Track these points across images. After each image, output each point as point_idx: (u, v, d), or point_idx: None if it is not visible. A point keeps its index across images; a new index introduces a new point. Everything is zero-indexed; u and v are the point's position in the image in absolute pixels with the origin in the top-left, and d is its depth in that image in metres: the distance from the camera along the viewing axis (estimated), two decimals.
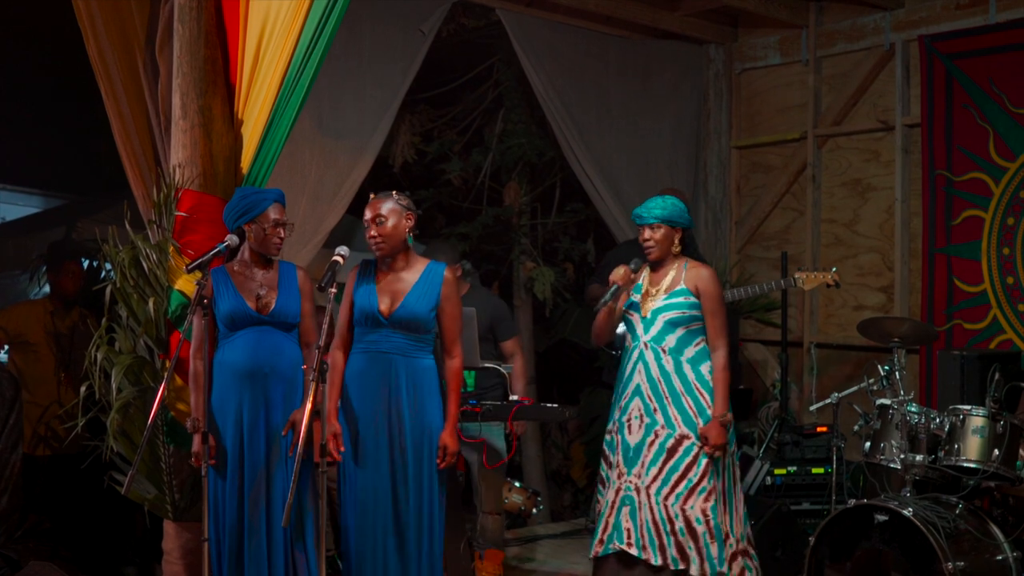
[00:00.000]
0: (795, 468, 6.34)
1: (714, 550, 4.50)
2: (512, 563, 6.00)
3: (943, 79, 6.58)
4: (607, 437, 4.76)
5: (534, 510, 6.84)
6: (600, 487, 4.81)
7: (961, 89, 6.50)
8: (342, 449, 4.28)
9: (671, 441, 4.55)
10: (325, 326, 4.08)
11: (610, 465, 4.71)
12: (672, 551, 4.48)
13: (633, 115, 7.39)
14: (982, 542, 4.74)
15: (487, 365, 5.17)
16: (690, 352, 4.64)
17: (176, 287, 4.59)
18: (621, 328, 4.87)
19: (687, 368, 4.62)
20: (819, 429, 6.50)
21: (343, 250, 4.32)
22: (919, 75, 6.73)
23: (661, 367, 4.62)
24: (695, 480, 4.52)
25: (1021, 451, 4.88)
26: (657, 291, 4.69)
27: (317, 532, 4.31)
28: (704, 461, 4.54)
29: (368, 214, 4.33)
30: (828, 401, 5.59)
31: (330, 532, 5.15)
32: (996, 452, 4.80)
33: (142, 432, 4.34)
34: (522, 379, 5.63)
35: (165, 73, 4.83)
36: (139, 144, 4.97)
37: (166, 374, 4.16)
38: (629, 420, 4.64)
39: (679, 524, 4.49)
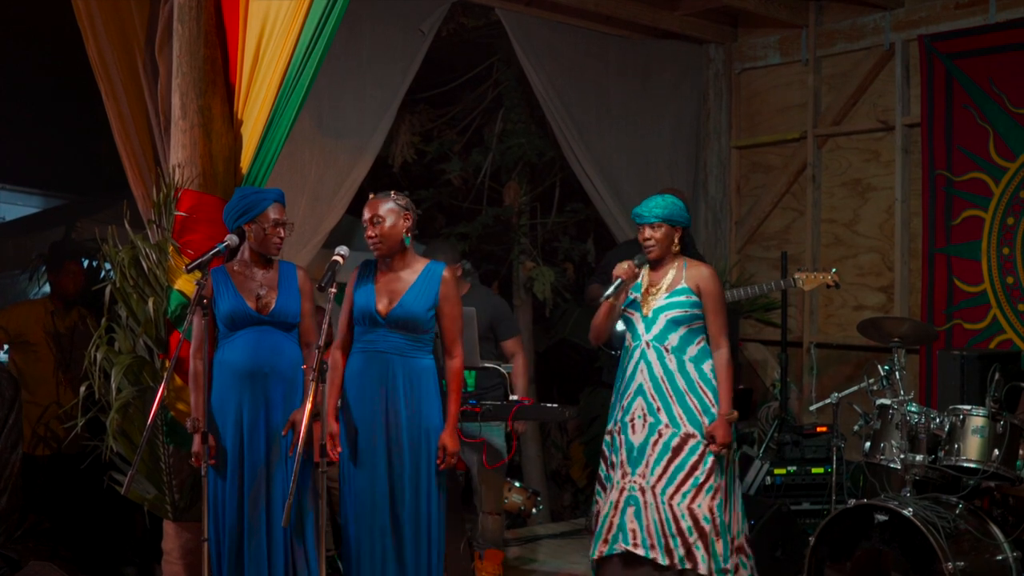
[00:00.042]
0: (795, 468, 6.34)
1: (719, 547, 4.51)
2: (512, 563, 6.00)
3: (943, 79, 6.58)
4: (607, 438, 4.76)
5: (534, 510, 6.84)
6: (599, 488, 4.79)
7: (961, 89, 6.50)
8: (338, 449, 4.28)
9: (676, 440, 4.55)
10: (325, 326, 4.08)
11: (612, 466, 4.70)
12: (679, 551, 4.47)
13: (633, 115, 7.39)
14: (982, 542, 4.74)
15: (487, 365, 5.17)
16: (692, 351, 4.64)
17: (176, 287, 4.59)
18: (620, 327, 4.86)
19: (690, 367, 4.62)
20: (819, 429, 6.49)
21: (343, 250, 4.32)
22: (919, 75, 6.73)
23: (664, 366, 4.62)
24: (702, 478, 4.52)
25: (1021, 451, 4.87)
26: (657, 290, 4.68)
27: (317, 532, 4.31)
28: (710, 459, 4.54)
29: (366, 214, 4.33)
30: (828, 401, 5.59)
31: (330, 532, 5.15)
32: (996, 452, 4.80)
33: (142, 432, 4.34)
34: (523, 378, 5.62)
35: (165, 73, 4.83)
36: (139, 144, 4.96)
37: (166, 374, 4.16)
38: (632, 420, 4.63)
39: (686, 523, 4.48)
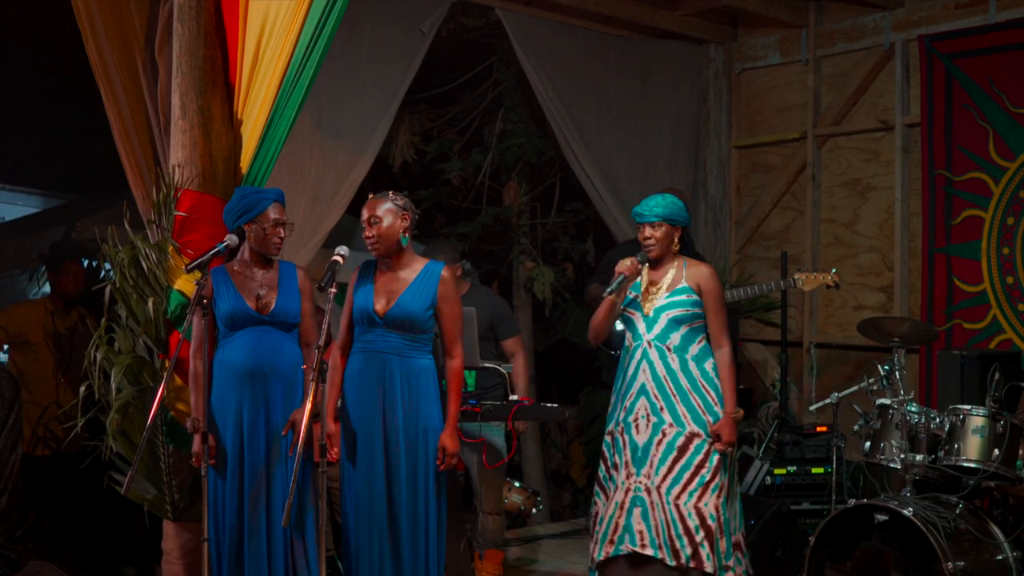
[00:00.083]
0: (795, 468, 6.34)
1: (722, 544, 4.52)
2: (512, 563, 6.00)
3: (943, 79, 6.58)
4: (607, 439, 4.74)
5: (534, 510, 6.84)
6: (598, 490, 4.77)
7: (961, 89, 6.50)
8: (335, 450, 4.27)
9: (681, 439, 4.55)
10: (325, 326, 4.08)
11: (615, 467, 4.66)
12: (686, 550, 4.46)
13: (633, 115, 7.39)
14: (982, 542, 4.74)
15: (487, 365, 5.17)
16: (694, 350, 4.64)
17: (175, 287, 4.59)
18: (619, 326, 4.86)
19: (692, 366, 4.62)
20: (819, 429, 6.50)
21: (343, 250, 4.31)
22: (919, 75, 6.73)
23: (667, 365, 4.61)
24: (708, 477, 4.52)
25: (1021, 451, 4.87)
26: (658, 289, 4.68)
27: (317, 532, 4.31)
28: (716, 458, 4.54)
29: (364, 214, 4.33)
30: (828, 401, 5.58)
31: (330, 532, 5.15)
32: (996, 452, 4.80)
33: (141, 432, 4.34)
34: (524, 378, 5.62)
35: (164, 73, 4.83)
36: (138, 144, 4.96)
37: (165, 374, 4.16)
38: (636, 420, 4.62)
39: (693, 522, 4.47)
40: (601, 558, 4.62)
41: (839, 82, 7.23)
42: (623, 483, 4.60)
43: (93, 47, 4.99)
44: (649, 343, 4.65)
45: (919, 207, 6.77)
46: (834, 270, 6.18)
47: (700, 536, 4.47)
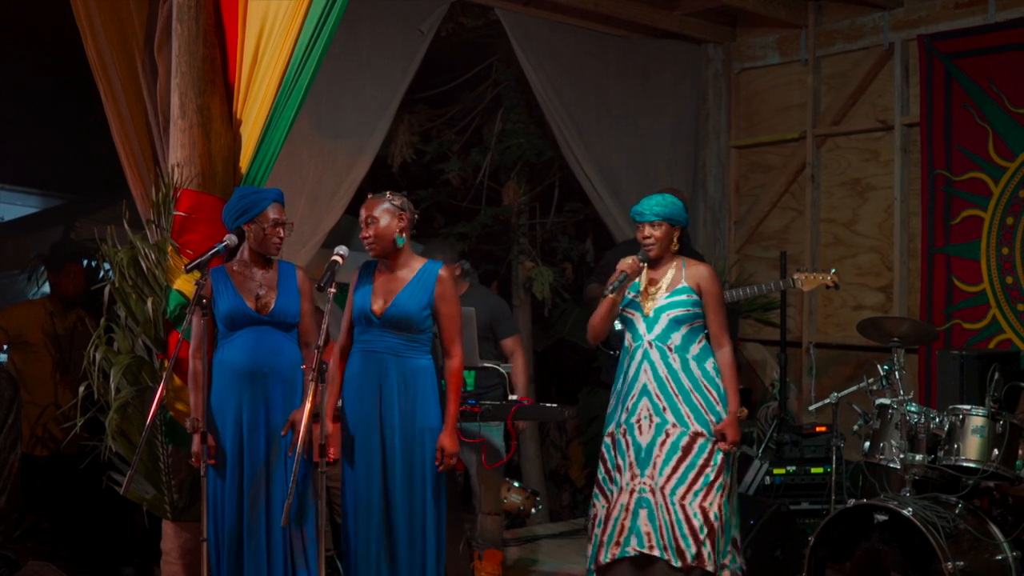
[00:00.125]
0: (794, 468, 6.34)
1: (722, 542, 4.53)
2: (511, 563, 6.00)
3: (942, 79, 6.58)
4: (607, 440, 4.71)
5: (533, 510, 6.83)
6: (597, 492, 4.74)
7: (960, 89, 6.50)
8: (331, 450, 4.27)
9: (685, 439, 4.54)
10: (324, 326, 4.08)
11: (617, 469, 4.64)
12: (691, 550, 4.46)
13: (632, 115, 7.39)
14: (982, 542, 4.74)
15: (487, 365, 5.17)
16: (695, 350, 4.64)
17: (175, 287, 4.59)
18: (617, 326, 4.85)
19: (693, 365, 4.61)
20: (818, 429, 6.49)
21: (342, 250, 4.31)
22: (918, 75, 6.73)
23: (668, 365, 4.61)
24: (712, 476, 4.52)
25: (1020, 451, 4.88)
26: (657, 289, 4.67)
27: (317, 532, 4.31)
28: (719, 457, 4.54)
29: (362, 215, 4.33)
30: (827, 401, 5.59)
31: (330, 532, 5.15)
32: (996, 452, 4.80)
33: (140, 432, 4.34)
34: (523, 377, 5.62)
35: (164, 73, 4.82)
36: (138, 144, 4.96)
37: (165, 374, 4.16)
38: (639, 421, 4.61)
39: (698, 522, 4.47)
40: (608, 560, 4.58)
41: (838, 82, 7.23)
42: (627, 484, 4.58)
43: (92, 47, 4.99)
44: (650, 343, 4.64)
45: (918, 207, 6.77)
46: (833, 270, 6.18)
47: (703, 535, 4.47)
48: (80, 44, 5.00)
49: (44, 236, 7.55)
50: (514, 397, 5.16)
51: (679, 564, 4.46)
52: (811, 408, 6.27)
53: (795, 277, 6.14)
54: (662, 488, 4.51)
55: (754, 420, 7.18)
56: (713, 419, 4.57)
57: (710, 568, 4.47)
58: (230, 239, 4.37)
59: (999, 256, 6.39)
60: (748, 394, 7.26)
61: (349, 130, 6.06)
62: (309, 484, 4.32)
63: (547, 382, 8.23)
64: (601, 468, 4.73)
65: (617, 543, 4.56)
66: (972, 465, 4.84)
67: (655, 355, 4.62)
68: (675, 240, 4.69)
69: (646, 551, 4.49)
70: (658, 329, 4.64)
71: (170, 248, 4.61)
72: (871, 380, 5.29)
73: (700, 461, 4.53)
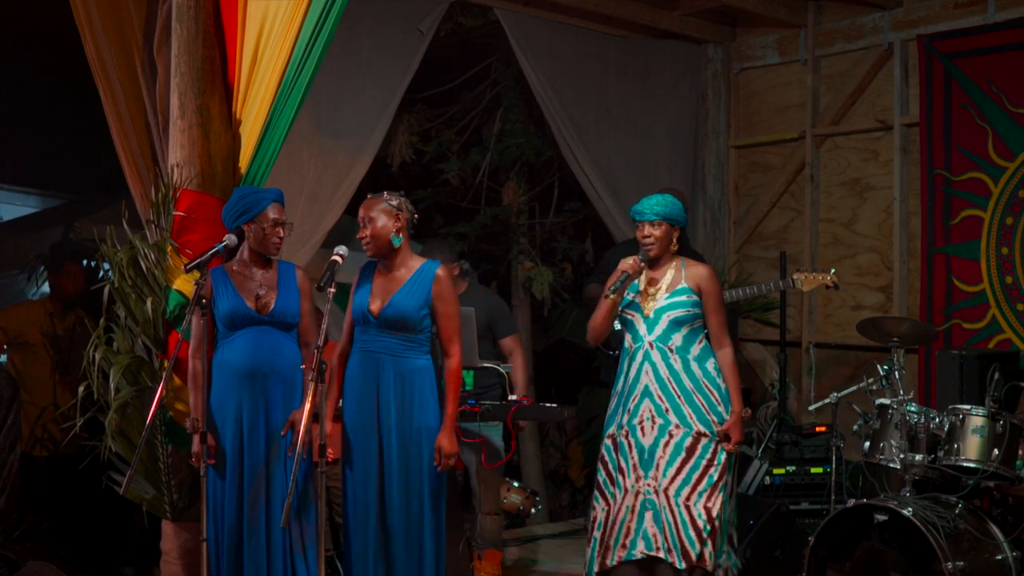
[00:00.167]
0: (794, 468, 6.33)
1: (720, 541, 4.53)
2: (511, 563, 5.99)
3: (942, 78, 6.58)
4: (607, 442, 4.70)
5: (532, 510, 6.83)
6: (597, 494, 4.72)
7: (960, 89, 6.50)
8: (330, 451, 4.27)
9: (688, 440, 4.53)
10: (324, 326, 4.07)
11: (619, 471, 4.62)
12: (695, 551, 4.46)
13: (632, 115, 7.39)
14: (982, 542, 4.73)
15: (486, 364, 5.16)
16: (695, 350, 4.63)
17: (174, 287, 4.59)
18: (617, 326, 4.85)
19: (694, 366, 4.61)
20: (818, 429, 6.49)
21: (342, 250, 4.31)
22: (918, 75, 6.73)
23: (670, 366, 4.60)
24: (716, 477, 4.52)
25: (1020, 451, 4.87)
26: (657, 290, 4.67)
27: (317, 532, 4.30)
28: (723, 458, 4.55)
29: (360, 215, 4.33)
30: (827, 401, 5.58)
31: (330, 532, 5.14)
32: (996, 452, 4.80)
33: (140, 432, 4.34)
34: (523, 376, 5.61)
35: (163, 73, 4.83)
36: (137, 144, 4.96)
37: (164, 374, 4.15)
38: (641, 422, 4.59)
39: (702, 521, 4.46)
40: (614, 563, 4.56)
41: (838, 82, 7.23)
42: (632, 486, 4.56)
43: (92, 47, 4.99)
44: (651, 344, 4.63)
45: (918, 207, 6.77)
46: (833, 270, 6.18)
47: (707, 535, 4.47)
48: (80, 44, 5.00)
49: (44, 236, 7.56)
50: (513, 397, 5.15)
51: (683, 566, 4.45)
52: (811, 408, 6.27)
53: (795, 277, 6.14)
54: (666, 489, 4.50)
55: (754, 420, 7.17)
56: (715, 419, 4.57)
57: (710, 568, 4.47)
58: (230, 239, 4.37)
59: (999, 256, 6.39)
60: (748, 394, 7.24)
61: (349, 130, 6.06)
62: (309, 484, 4.32)
63: (546, 382, 8.23)
64: (601, 470, 4.71)
65: (623, 546, 4.54)
66: (972, 465, 4.83)
67: (656, 356, 4.62)
68: (674, 240, 4.69)
69: (653, 553, 4.48)
70: (659, 330, 4.63)
71: (170, 248, 4.61)
72: (871, 380, 5.29)
73: (704, 462, 4.52)
